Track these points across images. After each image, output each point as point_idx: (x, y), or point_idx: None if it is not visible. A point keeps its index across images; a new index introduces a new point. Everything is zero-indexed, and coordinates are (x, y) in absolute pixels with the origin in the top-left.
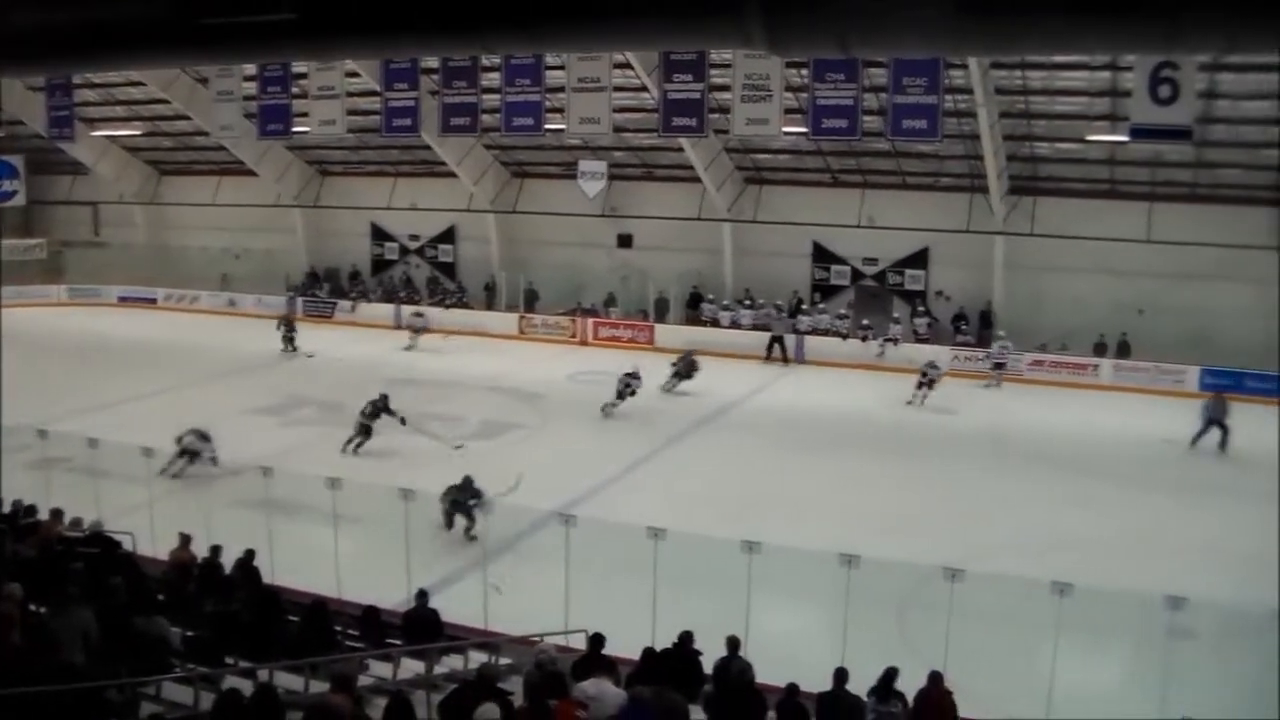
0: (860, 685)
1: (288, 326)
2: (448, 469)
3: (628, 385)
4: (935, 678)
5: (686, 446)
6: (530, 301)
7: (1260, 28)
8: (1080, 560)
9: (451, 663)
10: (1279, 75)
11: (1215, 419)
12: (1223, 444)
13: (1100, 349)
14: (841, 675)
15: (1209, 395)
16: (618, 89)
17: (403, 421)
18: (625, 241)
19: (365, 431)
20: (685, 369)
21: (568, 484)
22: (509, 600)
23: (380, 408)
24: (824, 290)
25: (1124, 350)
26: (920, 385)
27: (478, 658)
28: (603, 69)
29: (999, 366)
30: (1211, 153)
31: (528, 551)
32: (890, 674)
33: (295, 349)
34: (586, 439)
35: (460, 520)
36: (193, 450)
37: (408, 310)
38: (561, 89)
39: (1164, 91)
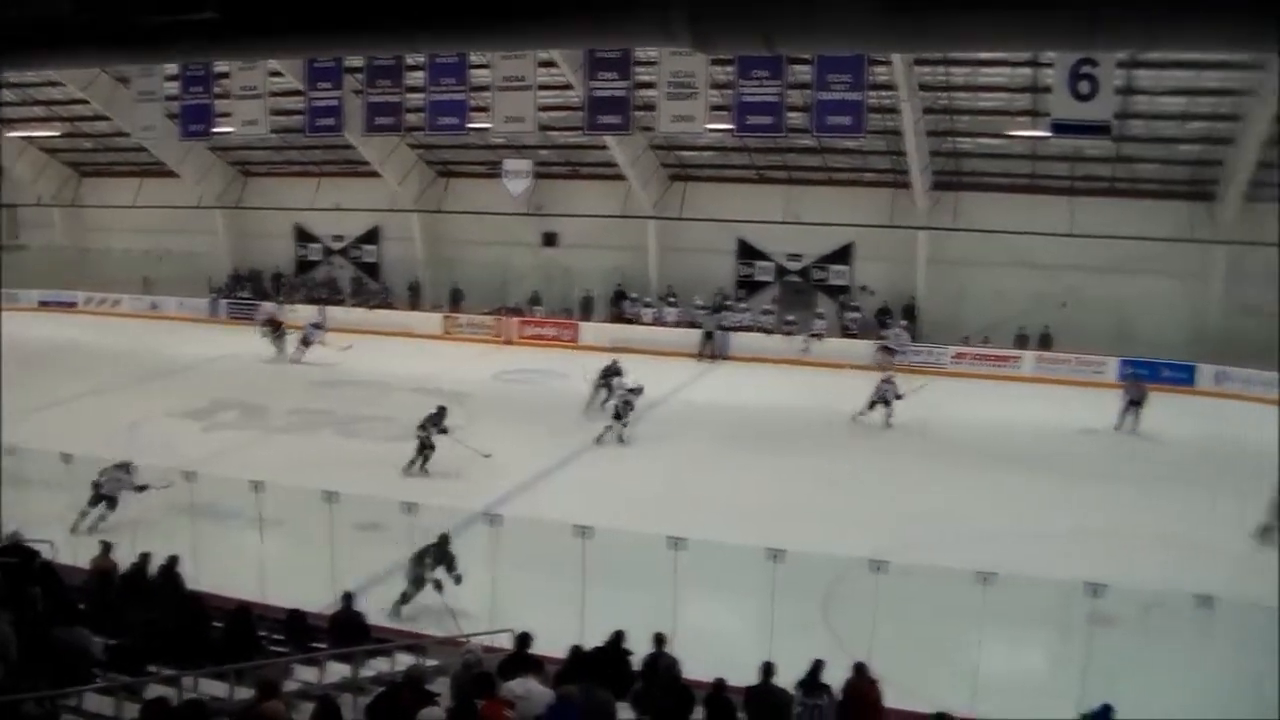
0: (788, 678)
1: (274, 329)
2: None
3: (626, 402)
4: (860, 669)
5: (613, 444)
6: (455, 301)
7: (1179, 25)
8: (1005, 550)
9: (378, 665)
10: (1195, 71)
11: (1134, 400)
12: (1135, 421)
13: (1022, 341)
14: (768, 669)
15: (1127, 383)
16: (543, 87)
17: (444, 431)
18: (550, 240)
19: (430, 445)
20: (610, 376)
21: (494, 483)
22: (434, 601)
23: (434, 421)
24: (749, 286)
25: (1046, 342)
26: (883, 404)
27: (404, 659)
28: (528, 67)
29: (889, 353)
30: (1130, 148)
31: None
32: (817, 666)
33: (301, 349)
34: (513, 438)
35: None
36: (111, 495)
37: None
38: (486, 87)
39: (1084, 88)
